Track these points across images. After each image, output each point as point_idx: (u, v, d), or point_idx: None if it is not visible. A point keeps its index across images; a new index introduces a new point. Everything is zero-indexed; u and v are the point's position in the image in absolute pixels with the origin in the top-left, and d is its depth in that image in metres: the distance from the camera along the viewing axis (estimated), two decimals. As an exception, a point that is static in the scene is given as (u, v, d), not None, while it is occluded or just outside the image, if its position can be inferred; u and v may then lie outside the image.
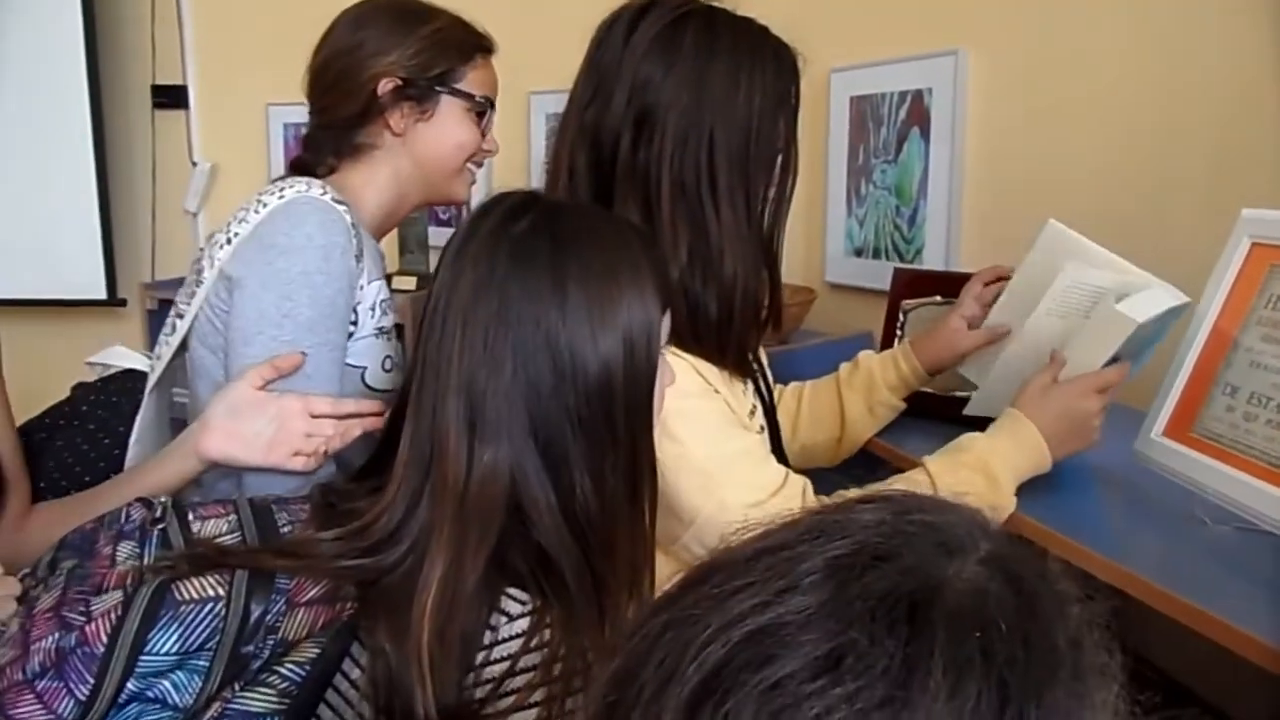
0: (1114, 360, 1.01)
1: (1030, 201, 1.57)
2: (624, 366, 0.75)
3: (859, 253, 1.95)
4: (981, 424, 1.19)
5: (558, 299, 0.73)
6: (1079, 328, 1.04)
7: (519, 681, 0.67)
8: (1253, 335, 0.90)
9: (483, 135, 1.21)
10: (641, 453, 0.78)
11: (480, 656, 0.67)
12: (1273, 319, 0.88)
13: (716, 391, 1.02)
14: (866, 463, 1.26)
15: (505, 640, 0.68)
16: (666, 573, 1.05)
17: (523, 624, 0.69)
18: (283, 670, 0.70)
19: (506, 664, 0.67)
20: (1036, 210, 1.50)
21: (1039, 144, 1.57)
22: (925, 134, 1.75)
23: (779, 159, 1.02)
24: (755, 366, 1.15)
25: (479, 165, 1.24)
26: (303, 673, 0.70)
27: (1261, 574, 0.86)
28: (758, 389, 1.14)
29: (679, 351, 0.99)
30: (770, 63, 0.99)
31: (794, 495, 0.99)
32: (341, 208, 1.06)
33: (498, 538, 0.71)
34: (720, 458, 0.98)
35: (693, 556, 1.00)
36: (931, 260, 1.75)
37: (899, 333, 1.38)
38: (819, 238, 2.06)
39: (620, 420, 0.75)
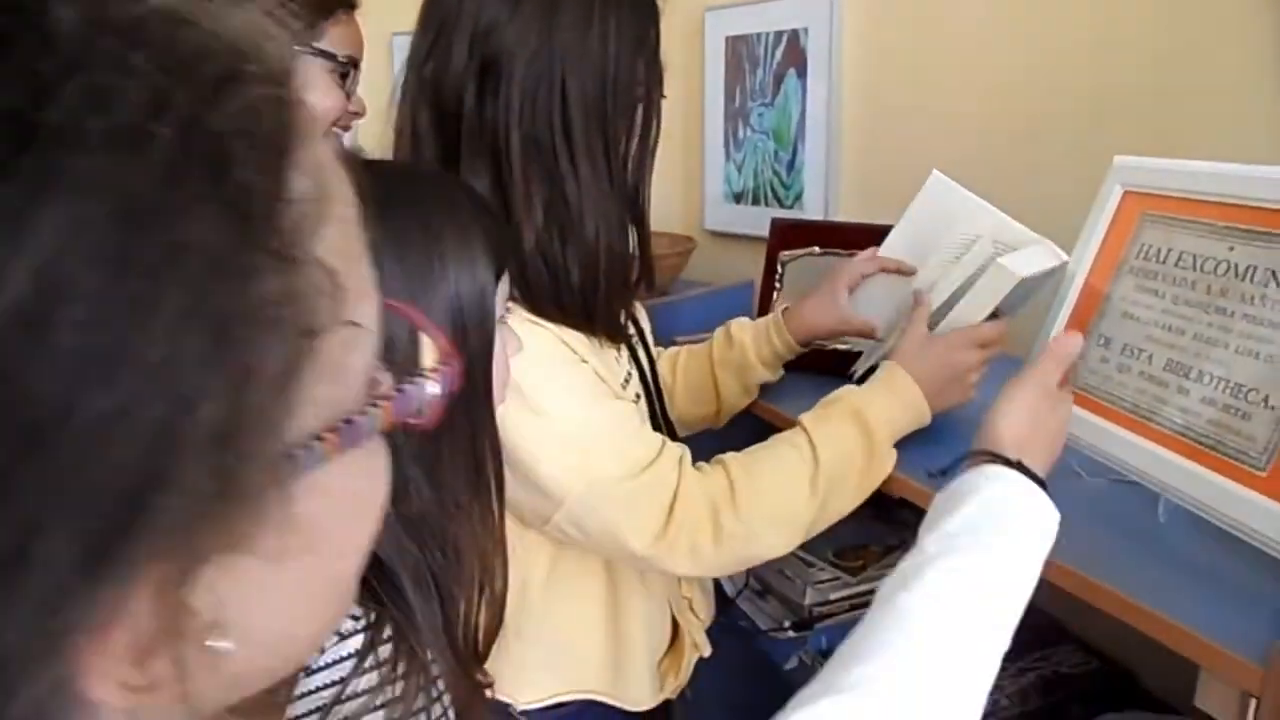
0: (994, 316, 0.98)
1: (907, 145, 1.54)
2: (452, 341, 0.67)
3: (738, 198, 1.90)
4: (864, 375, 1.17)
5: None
6: (960, 282, 1.01)
7: (352, 708, 0.59)
8: (1126, 285, 0.88)
9: (348, 97, 1.11)
10: (480, 437, 0.70)
11: (305, 683, 0.60)
12: (1145, 269, 0.86)
13: (584, 361, 0.95)
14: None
15: (335, 663, 0.60)
16: (544, 556, 0.99)
17: (355, 643, 0.61)
18: None
19: (336, 689, 0.59)
20: (913, 154, 1.47)
21: (915, 87, 1.53)
22: (802, 75, 1.70)
23: (640, 107, 0.94)
24: (631, 330, 1.08)
25: (346, 129, 1.14)
26: None
27: (1134, 528, 0.85)
28: (634, 354, 1.08)
29: (541, 321, 0.92)
30: (626, 2, 0.91)
31: (669, 466, 0.94)
32: None
33: None
34: (588, 432, 0.92)
35: (568, 538, 0.94)
36: (811, 204, 1.71)
37: (777, 285, 1.34)
38: (697, 183, 2.00)
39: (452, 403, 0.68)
